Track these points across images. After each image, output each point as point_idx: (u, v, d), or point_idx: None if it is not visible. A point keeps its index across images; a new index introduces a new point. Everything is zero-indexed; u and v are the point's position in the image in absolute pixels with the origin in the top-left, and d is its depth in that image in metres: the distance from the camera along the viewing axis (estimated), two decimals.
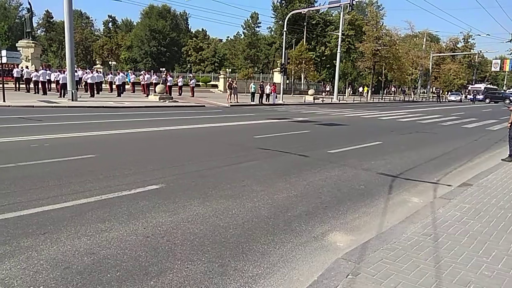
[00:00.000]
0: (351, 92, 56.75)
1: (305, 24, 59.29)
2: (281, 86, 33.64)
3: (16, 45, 36.99)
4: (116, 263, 3.35)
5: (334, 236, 4.33)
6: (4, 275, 3.06)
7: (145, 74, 31.76)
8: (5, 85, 19.91)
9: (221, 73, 49.42)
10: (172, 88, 30.12)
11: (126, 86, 31.02)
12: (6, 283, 2.94)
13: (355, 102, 40.66)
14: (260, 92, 29.41)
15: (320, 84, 56.91)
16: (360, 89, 58.37)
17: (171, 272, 3.25)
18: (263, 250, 3.79)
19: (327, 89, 52.06)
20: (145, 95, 28.70)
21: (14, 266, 3.21)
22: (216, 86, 46.74)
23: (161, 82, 28.83)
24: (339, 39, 41.92)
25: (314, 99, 37.27)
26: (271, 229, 4.36)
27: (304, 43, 55.07)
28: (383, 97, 54.59)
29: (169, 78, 30.33)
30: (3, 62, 20.11)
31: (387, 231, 4.32)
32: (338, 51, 41.89)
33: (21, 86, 27.36)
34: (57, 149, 8.49)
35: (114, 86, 29.20)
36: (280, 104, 30.08)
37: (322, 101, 37.16)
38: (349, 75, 64.63)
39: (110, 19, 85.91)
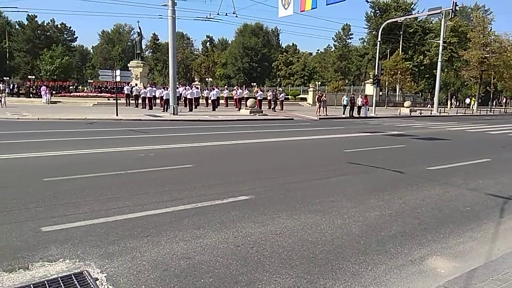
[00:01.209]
0: (455, 104, 51.92)
1: (401, 33, 56.40)
2: (374, 98, 32.30)
3: (128, 65, 41.79)
4: (209, 269, 3.50)
5: (434, 261, 3.95)
6: (113, 272, 3.41)
7: (237, 89, 33.26)
8: (118, 101, 22.55)
9: (310, 86, 49.40)
10: (262, 102, 30.96)
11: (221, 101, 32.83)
12: (114, 280, 3.27)
13: (458, 114, 37.14)
14: (350, 104, 28.58)
15: (418, 96, 53.26)
16: (467, 100, 53.10)
17: (260, 284, 3.28)
18: (354, 270, 3.62)
19: (432, 101, 48.15)
20: (237, 109, 29.98)
21: (121, 265, 3.55)
22: (305, 99, 46.80)
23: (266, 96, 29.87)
24: (440, 47, 38.96)
25: (410, 111, 34.98)
26: (363, 248, 4.15)
27: (400, 52, 52.31)
28: (492, 109, 48.90)
29: (259, 93, 31.27)
30: (117, 80, 22.90)
31: (498, 259, 3.81)
32: (439, 59, 38.89)
33: (130, 101, 30.75)
34: (160, 158, 9.28)
35: (209, 101, 31.08)
36: (372, 117, 28.86)
37: (420, 113, 34.69)
38: (452, 86, 59.41)
39: (208, 39, 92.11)
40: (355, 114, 28.42)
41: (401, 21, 49.23)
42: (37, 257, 3.64)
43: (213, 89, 31.88)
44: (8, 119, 18.97)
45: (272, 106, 31.75)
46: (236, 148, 11.79)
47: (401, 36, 56.44)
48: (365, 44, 71.65)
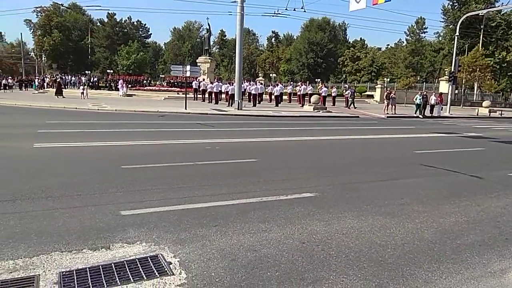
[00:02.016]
0: None
1: (481, 27, 51.83)
2: (449, 97, 30.18)
3: (196, 61, 43.39)
4: (275, 263, 3.54)
5: None
6: (185, 258, 3.59)
7: (301, 85, 33.00)
8: (187, 95, 23.54)
9: (378, 82, 47.41)
10: (326, 99, 30.38)
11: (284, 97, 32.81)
12: (186, 265, 3.44)
13: None
14: (423, 103, 26.82)
15: (498, 95, 48.77)
16: None
17: (327, 282, 3.25)
18: (426, 278, 3.44)
19: None
20: (300, 105, 29.76)
21: (192, 251, 3.73)
22: (371, 96, 45.05)
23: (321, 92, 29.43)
24: None
25: (489, 112, 32.13)
26: (436, 255, 3.92)
27: (480, 48, 48.16)
28: None
29: (324, 89, 30.73)
30: (187, 75, 23.91)
31: None
32: None
33: (198, 96, 31.94)
34: (226, 152, 9.55)
35: (272, 97, 31.23)
36: (446, 117, 27.00)
37: (501, 114, 31.74)
38: None
39: (273, 35, 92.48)
40: (427, 113, 26.73)
41: (482, 14, 45.23)
42: (117, 239, 3.95)
43: (277, 85, 31.96)
44: (89, 109, 20.74)
45: (348, 104, 30.55)
46: (298, 144, 11.74)
47: (482, 30, 51.83)
48: (440, 38, 67.09)
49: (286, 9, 26.57)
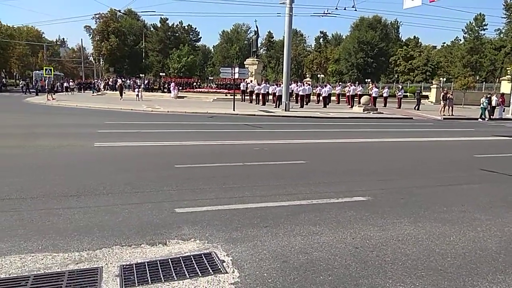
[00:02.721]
0: None
1: None
2: (511, 98, 28.05)
3: (244, 62, 43.90)
4: (327, 267, 3.48)
5: None
6: (237, 257, 3.64)
7: (350, 86, 32.27)
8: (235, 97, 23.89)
9: (433, 82, 45.10)
10: (377, 100, 29.44)
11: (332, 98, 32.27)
12: (238, 264, 3.48)
13: None
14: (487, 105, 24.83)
15: None
16: None
17: None
18: None
19: None
20: (349, 106, 29.10)
21: (244, 251, 3.77)
22: (426, 97, 42.94)
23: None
24: None
25: None
26: (502, 267, 3.65)
27: None
28: None
29: (374, 89, 29.81)
30: (235, 77, 24.28)
31: None
32: None
33: (245, 97, 32.31)
34: (274, 153, 9.57)
35: (320, 98, 30.83)
36: (509, 119, 25.12)
37: None
38: None
39: (322, 35, 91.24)
40: (486, 115, 24.96)
41: None
42: (172, 235, 4.09)
43: (325, 86, 31.51)
44: (144, 111, 21.73)
45: (415, 106, 29.34)
46: (348, 146, 11.49)
47: None
48: (502, 35, 62.52)
49: (336, 8, 25.72)
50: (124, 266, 3.33)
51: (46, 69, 33.39)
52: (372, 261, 3.65)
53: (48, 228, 4.14)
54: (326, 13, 27.37)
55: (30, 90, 44.22)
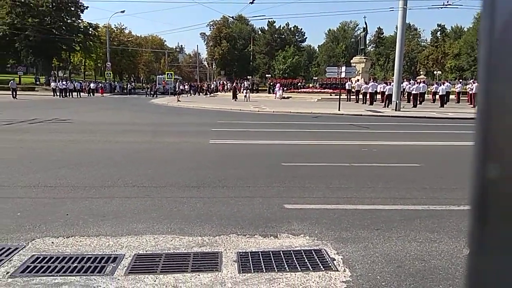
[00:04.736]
0: None
1: None
2: None
3: (351, 61, 42.68)
4: (447, 276, 3.24)
5: None
6: (348, 256, 3.61)
7: (473, 83, 28.92)
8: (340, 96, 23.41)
9: None
10: None
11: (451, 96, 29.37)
12: (349, 264, 3.46)
13: None
14: None
15: None
16: None
17: None
18: None
19: None
20: (472, 105, 26.10)
21: (354, 251, 3.72)
22: None
23: None
24: None
25: None
26: None
27: None
28: None
29: None
30: (342, 76, 23.80)
31: None
32: None
33: (351, 97, 31.40)
34: (384, 154, 9.15)
35: (436, 96, 28.33)
36: None
37: None
38: None
39: (439, 28, 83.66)
40: None
41: None
42: (283, 229, 4.25)
43: (443, 83, 28.81)
44: (251, 111, 22.73)
45: None
46: (469, 150, 10.33)
47: None
48: None
49: None
50: (241, 253, 3.59)
51: (167, 74, 37.32)
52: None
53: (175, 214, 4.67)
54: (447, 5, 25.02)
55: (152, 93, 49.71)
